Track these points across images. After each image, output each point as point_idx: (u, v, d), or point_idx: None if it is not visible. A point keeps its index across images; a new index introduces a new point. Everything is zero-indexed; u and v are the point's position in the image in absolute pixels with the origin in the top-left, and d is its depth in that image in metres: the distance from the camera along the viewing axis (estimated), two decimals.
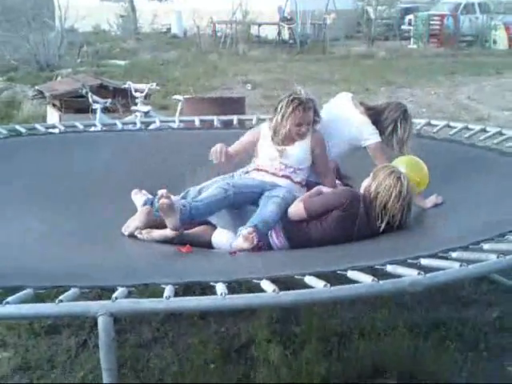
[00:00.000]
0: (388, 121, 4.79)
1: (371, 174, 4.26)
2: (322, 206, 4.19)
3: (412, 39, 26.89)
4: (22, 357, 3.97)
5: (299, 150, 4.57)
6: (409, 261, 3.07)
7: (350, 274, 2.91)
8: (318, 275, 2.87)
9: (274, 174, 4.53)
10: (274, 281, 2.80)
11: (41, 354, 4.00)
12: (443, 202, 4.54)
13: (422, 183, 4.52)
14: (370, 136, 4.77)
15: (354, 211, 4.10)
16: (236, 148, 4.75)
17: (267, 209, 4.23)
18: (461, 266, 2.87)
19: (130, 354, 3.95)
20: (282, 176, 4.53)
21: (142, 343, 4.13)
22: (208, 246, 4.36)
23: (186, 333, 4.22)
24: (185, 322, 4.32)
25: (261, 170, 4.58)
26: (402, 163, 4.53)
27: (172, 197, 4.20)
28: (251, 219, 4.18)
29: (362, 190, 4.25)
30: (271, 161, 4.57)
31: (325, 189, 4.41)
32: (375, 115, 4.84)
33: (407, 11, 29.84)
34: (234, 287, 3.02)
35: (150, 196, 4.55)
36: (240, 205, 4.39)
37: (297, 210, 4.23)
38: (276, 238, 4.20)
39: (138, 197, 4.69)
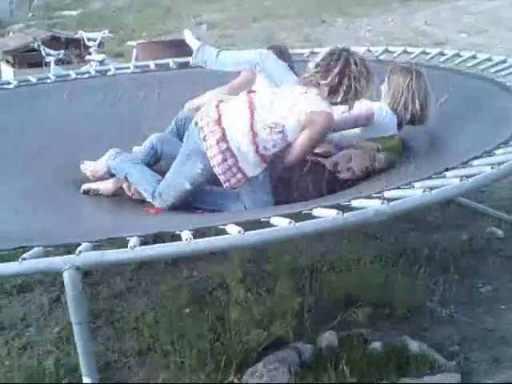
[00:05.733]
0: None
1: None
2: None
3: None
4: None
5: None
6: (373, 195, 3.06)
7: (315, 211, 2.89)
8: (284, 216, 2.86)
9: None
10: (240, 225, 2.79)
11: (14, 313, 3.97)
12: None
13: None
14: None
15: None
16: None
17: None
18: (424, 191, 2.87)
19: (104, 306, 3.95)
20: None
21: (116, 294, 4.11)
22: None
23: (158, 280, 4.21)
24: (157, 269, 4.31)
25: None
26: None
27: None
28: None
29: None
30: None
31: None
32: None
33: None
34: (200, 236, 2.99)
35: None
36: None
37: None
38: None
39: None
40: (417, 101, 4.41)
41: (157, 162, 4.44)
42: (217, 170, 3.86)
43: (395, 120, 4.47)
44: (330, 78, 3.89)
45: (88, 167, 4.53)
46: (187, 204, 4.09)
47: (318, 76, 3.93)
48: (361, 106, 4.42)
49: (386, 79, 4.55)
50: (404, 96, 4.43)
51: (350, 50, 4.02)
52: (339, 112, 4.30)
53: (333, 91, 3.92)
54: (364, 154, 4.14)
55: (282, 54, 4.91)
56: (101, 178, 4.45)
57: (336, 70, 3.89)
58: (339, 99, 3.93)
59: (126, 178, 4.30)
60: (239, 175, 3.86)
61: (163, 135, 4.50)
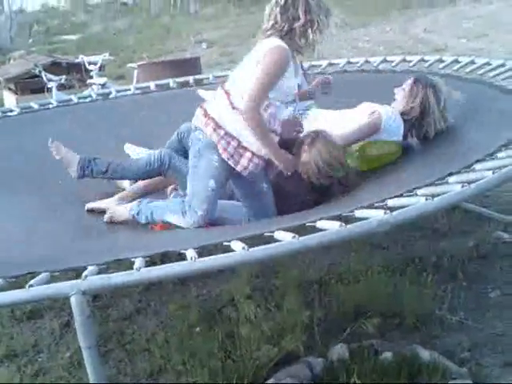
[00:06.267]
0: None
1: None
2: None
3: None
4: (6, 345, 3.95)
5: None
6: (376, 204, 3.07)
7: (319, 224, 2.90)
8: (287, 230, 2.87)
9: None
10: (244, 241, 2.79)
11: (25, 340, 3.99)
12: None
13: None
14: None
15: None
16: None
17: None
18: (426, 199, 2.87)
19: (115, 329, 3.96)
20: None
21: (126, 316, 4.13)
22: None
23: (167, 300, 4.22)
24: (165, 290, 4.32)
25: None
26: None
27: None
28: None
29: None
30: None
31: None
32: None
33: None
34: (206, 253, 3.00)
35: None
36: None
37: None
38: None
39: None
40: (437, 119, 4.49)
41: (156, 175, 4.43)
42: (225, 156, 3.84)
43: (402, 128, 4.48)
44: (297, 19, 3.80)
45: (109, 213, 4.32)
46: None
47: (284, 22, 3.83)
48: (367, 115, 4.45)
49: (408, 87, 4.58)
50: (432, 112, 4.48)
51: None
52: (347, 126, 4.34)
53: (300, 32, 3.83)
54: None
55: None
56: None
57: (301, 10, 3.80)
58: (307, 37, 3.85)
59: (153, 220, 4.15)
60: (248, 154, 3.85)
61: (171, 151, 4.43)
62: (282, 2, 3.84)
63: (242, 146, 3.84)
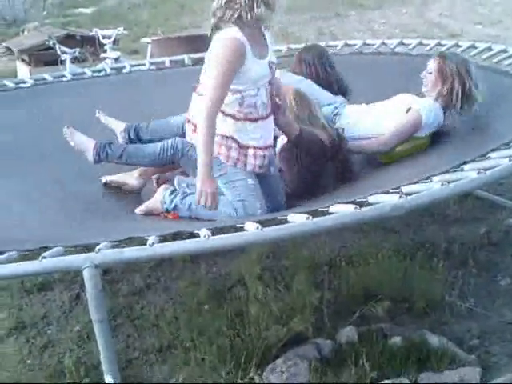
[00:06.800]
0: None
1: None
2: None
3: None
4: (16, 316, 3.98)
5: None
6: (391, 190, 3.05)
7: (332, 208, 2.89)
8: (301, 213, 2.85)
9: None
10: (257, 222, 2.79)
11: (35, 312, 4.01)
12: None
13: None
14: None
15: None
16: None
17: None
18: (442, 185, 2.85)
19: (124, 304, 3.98)
20: None
21: (135, 291, 4.14)
22: None
23: (177, 277, 4.24)
24: (175, 266, 4.34)
25: None
26: None
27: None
28: None
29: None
30: None
31: None
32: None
33: None
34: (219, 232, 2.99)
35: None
36: None
37: None
38: None
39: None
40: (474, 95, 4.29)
41: (169, 163, 4.29)
42: (231, 163, 3.76)
43: (442, 118, 4.33)
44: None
45: (142, 208, 4.18)
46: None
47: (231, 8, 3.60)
48: (404, 112, 4.31)
49: (437, 66, 4.35)
50: (466, 85, 4.27)
51: None
52: (392, 129, 4.27)
53: (247, 10, 3.56)
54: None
55: (320, 56, 4.86)
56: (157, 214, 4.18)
57: None
58: (257, 16, 3.58)
59: (198, 216, 3.97)
60: (250, 151, 3.77)
61: (183, 139, 4.20)
62: None
63: (242, 144, 3.75)
